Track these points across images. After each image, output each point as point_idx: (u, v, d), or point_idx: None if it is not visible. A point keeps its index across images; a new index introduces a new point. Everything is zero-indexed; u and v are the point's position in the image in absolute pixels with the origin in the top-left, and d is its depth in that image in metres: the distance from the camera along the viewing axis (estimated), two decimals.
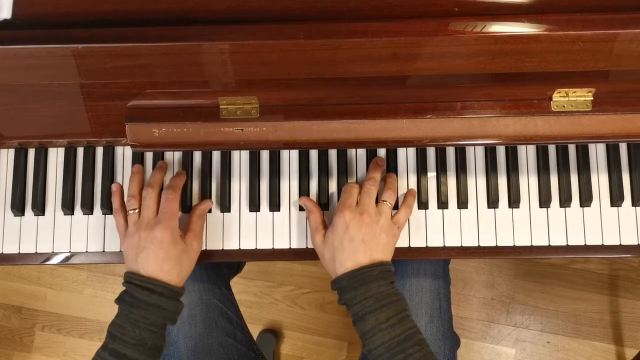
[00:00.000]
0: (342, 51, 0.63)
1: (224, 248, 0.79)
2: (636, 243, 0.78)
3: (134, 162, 0.81)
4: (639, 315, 1.48)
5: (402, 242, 0.79)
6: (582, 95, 0.68)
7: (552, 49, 0.62)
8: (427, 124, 0.69)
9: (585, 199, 0.78)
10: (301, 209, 0.80)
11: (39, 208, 0.80)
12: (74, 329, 1.58)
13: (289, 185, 0.80)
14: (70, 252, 0.81)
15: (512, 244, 0.78)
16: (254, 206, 0.80)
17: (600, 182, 0.79)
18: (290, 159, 0.81)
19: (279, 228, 0.80)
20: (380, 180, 0.77)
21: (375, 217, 0.72)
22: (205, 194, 0.80)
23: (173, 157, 0.81)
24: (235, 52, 0.63)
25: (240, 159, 0.81)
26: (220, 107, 0.69)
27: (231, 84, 0.69)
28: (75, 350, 1.58)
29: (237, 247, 0.80)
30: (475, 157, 0.80)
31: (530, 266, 1.51)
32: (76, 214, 0.81)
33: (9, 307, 1.61)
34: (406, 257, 0.80)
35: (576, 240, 0.78)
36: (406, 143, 0.71)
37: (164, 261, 0.70)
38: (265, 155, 0.81)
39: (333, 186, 0.80)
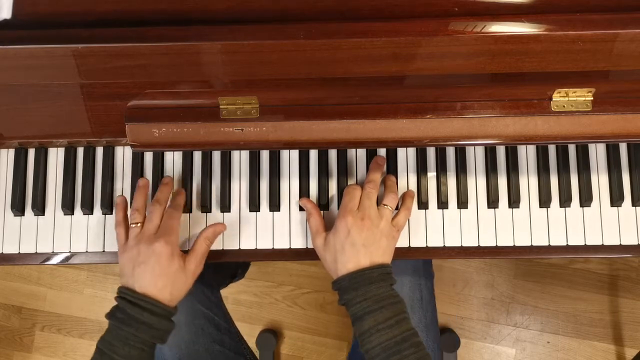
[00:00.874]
0: (342, 51, 0.63)
1: (224, 248, 0.79)
2: (636, 243, 0.78)
3: (134, 162, 0.81)
4: (639, 315, 1.48)
5: (402, 242, 0.79)
6: (582, 95, 0.68)
7: (552, 49, 0.62)
8: (427, 124, 0.69)
9: (585, 199, 0.78)
10: (301, 209, 0.80)
11: (39, 208, 0.80)
12: (74, 329, 1.58)
13: (289, 185, 0.80)
14: (70, 252, 0.81)
15: (512, 244, 0.78)
16: (254, 206, 0.80)
17: (600, 182, 0.79)
18: (290, 159, 0.81)
19: (279, 228, 0.80)
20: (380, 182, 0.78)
21: (376, 221, 0.72)
22: (205, 194, 0.80)
23: (173, 157, 0.81)
24: (235, 52, 0.63)
25: (240, 159, 0.81)
26: (220, 107, 0.69)
27: (231, 84, 0.69)
28: (75, 350, 1.58)
29: (237, 247, 0.80)
30: (475, 157, 0.80)
31: (530, 266, 1.51)
32: (76, 214, 0.81)
33: (9, 307, 1.61)
34: (406, 257, 0.80)
35: (576, 240, 0.78)
36: (406, 143, 0.71)
37: (159, 277, 0.70)
38: (265, 155, 0.81)
39: (333, 186, 0.80)
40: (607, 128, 0.68)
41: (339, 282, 0.70)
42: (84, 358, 1.57)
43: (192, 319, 0.88)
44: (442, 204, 0.79)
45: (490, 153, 0.80)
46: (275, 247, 0.79)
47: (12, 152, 0.82)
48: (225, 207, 0.80)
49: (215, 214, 0.80)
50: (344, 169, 0.80)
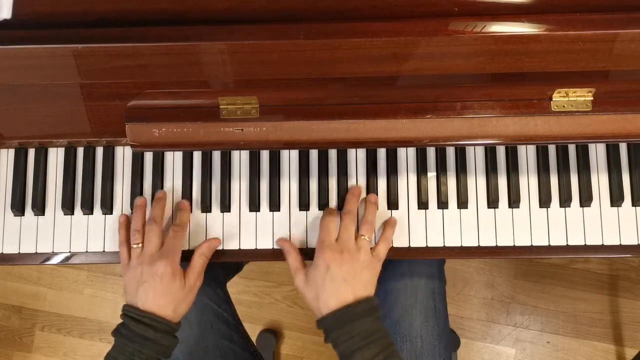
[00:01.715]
0: (342, 51, 0.63)
1: (224, 248, 0.79)
2: (636, 243, 0.78)
3: (134, 162, 0.81)
4: (639, 315, 1.48)
5: (402, 242, 0.79)
6: (582, 95, 0.68)
7: (552, 49, 0.62)
8: (427, 124, 0.69)
9: (585, 199, 0.78)
10: (301, 208, 0.80)
11: (39, 208, 0.80)
12: (74, 329, 1.58)
13: (289, 185, 0.80)
14: (70, 252, 0.81)
15: (512, 244, 0.78)
16: (254, 206, 0.80)
17: (600, 182, 0.79)
18: (290, 159, 0.81)
19: (279, 228, 0.80)
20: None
21: (355, 253, 0.72)
22: (205, 194, 0.80)
23: (173, 157, 0.81)
24: (235, 52, 0.63)
25: (240, 159, 0.81)
26: (220, 107, 0.69)
27: (231, 84, 0.69)
28: (75, 350, 1.58)
29: (237, 247, 0.80)
30: (475, 157, 0.80)
31: (530, 266, 1.51)
32: (76, 214, 0.81)
33: (9, 307, 1.61)
34: (406, 257, 0.80)
35: (576, 240, 0.78)
36: (406, 143, 0.71)
37: (162, 296, 0.71)
38: (265, 155, 0.81)
39: (333, 186, 0.80)
40: (607, 128, 0.68)
41: (323, 321, 0.70)
42: (84, 358, 1.57)
43: (202, 314, 0.88)
44: (442, 204, 0.79)
45: (490, 153, 0.80)
46: (275, 247, 0.79)
47: (12, 152, 0.82)
48: (225, 207, 0.80)
49: (215, 214, 0.80)
50: (344, 169, 0.80)
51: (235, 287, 1.52)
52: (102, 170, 0.81)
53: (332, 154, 0.81)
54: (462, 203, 0.79)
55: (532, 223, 0.79)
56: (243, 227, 0.80)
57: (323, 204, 0.79)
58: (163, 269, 0.71)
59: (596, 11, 0.61)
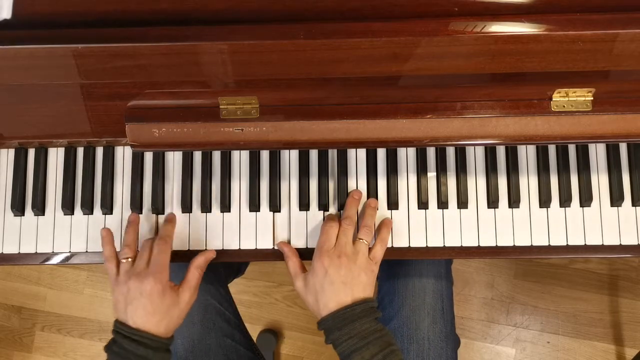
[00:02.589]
0: (342, 51, 0.63)
1: (224, 248, 0.79)
2: (636, 243, 0.78)
3: (134, 162, 0.81)
4: (639, 315, 1.48)
5: (402, 242, 0.79)
6: (582, 95, 0.68)
7: (552, 49, 0.62)
8: (427, 124, 0.69)
9: (585, 199, 0.78)
10: (301, 208, 0.80)
11: (39, 208, 0.80)
12: (74, 329, 1.58)
13: (289, 185, 0.80)
14: (70, 252, 0.81)
15: (512, 244, 0.78)
16: (254, 206, 0.80)
17: (600, 182, 0.79)
18: (290, 159, 0.81)
19: (279, 228, 0.80)
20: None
21: (352, 257, 0.73)
22: (205, 194, 0.80)
23: (173, 157, 0.81)
24: (235, 52, 0.63)
25: (240, 159, 0.81)
26: (220, 107, 0.69)
27: (231, 84, 0.69)
28: (75, 350, 1.58)
29: (237, 247, 0.80)
30: (475, 157, 0.80)
31: (530, 266, 1.51)
32: (76, 214, 0.81)
33: (9, 307, 1.61)
34: (406, 257, 0.80)
35: (576, 240, 0.78)
36: (406, 143, 0.71)
37: (152, 314, 0.70)
38: (265, 155, 0.81)
39: (333, 186, 0.80)
40: (607, 128, 0.68)
41: (323, 323, 0.71)
42: (84, 358, 1.57)
43: (204, 313, 0.88)
44: (442, 204, 0.79)
45: (490, 153, 0.80)
46: (276, 247, 0.79)
47: (12, 152, 0.82)
48: (225, 207, 0.80)
49: (215, 214, 0.80)
50: (344, 169, 0.80)
51: (235, 287, 1.52)
52: (102, 170, 0.81)
53: (332, 154, 0.81)
54: (462, 203, 0.79)
55: (532, 223, 0.79)
56: (243, 227, 0.80)
57: (323, 204, 0.79)
58: (151, 287, 0.70)
59: (596, 11, 0.61)
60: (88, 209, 0.80)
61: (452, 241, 0.79)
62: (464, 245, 0.79)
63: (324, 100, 0.69)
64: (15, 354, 1.59)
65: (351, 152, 0.81)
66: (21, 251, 0.81)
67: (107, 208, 0.80)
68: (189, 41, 0.62)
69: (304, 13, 0.64)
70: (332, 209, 0.80)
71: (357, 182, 0.80)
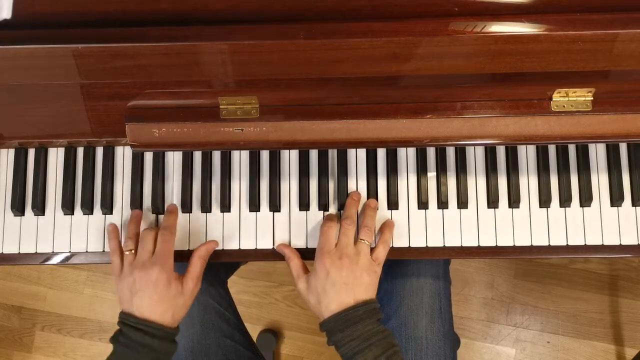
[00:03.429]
0: (342, 51, 0.63)
1: (224, 248, 0.79)
2: (636, 243, 0.78)
3: (134, 162, 0.81)
4: (639, 315, 1.48)
5: (402, 242, 0.79)
6: (582, 95, 0.68)
7: (552, 49, 0.62)
8: (427, 124, 0.69)
9: (585, 199, 0.78)
10: (301, 208, 0.80)
11: (39, 208, 0.80)
12: (74, 329, 1.58)
13: (289, 185, 0.80)
14: (70, 252, 0.81)
15: (512, 244, 0.78)
16: (254, 206, 0.80)
17: (600, 182, 0.79)
18: (290, 159, 0.81)
19: (279, 228, 0.80)
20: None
21: (354, 257, 0.73)
22: (205, 194, 0.80)
23: (173, 157, 0.82)
24: (235, 52, 0.63)
25: (240, 159, 0.81)
26: (220, 107, 0.69)
27: (231, 84, 0.69)
28: (75, 350, 1.58)
29: (237, 247, 0.80)
30: (475, 157, 0.80)
31: (530, 266, 1.51)
32: (76, 214, 0.81)
33: (9, 307, 1.61)
34: (406, 257, 0.80)
35: (576, 240, 0.78)
36: (406, 143, 0.71)
37: (158, 303, 0.70)
38: (265, 155, 0.81)
39: (333, 186, 0.80)
40: (607, 128, 0.68)
41: (325, 324, 0.70)
42: (84, 358, 1.57)
43: (204, 313, 0.88)
44: (442, 204, 0.79)
45: (490, 153, 0.80)
46: (276, 248, 0.79)
47: (12, 152, 0.82)
48: (225, 207, 0.80)
49: (215, 214, 0.80)
50: (344, 169, 0.80)
51: (235, 287, 1.52)
52: (102, 170, 0.81)
53: (332, 154, 0.81)
54: (462, 203, 0.79)
55: (532, 223, 0.79)
56: (243, 227, 0.80)
57: (323, 204, 0.79)
58: (157, 276, 0.70)
59: (596, 11, 0.61)
60: (88, 209, 0.80)
61: (452, 241, 0.79)
62: (464, 245, 0.79)
63: (324, 100, 0.69)
64: (15, 354, 1.59)
65: (351, 152, 0.81)
66: (21, 251, 0.81)
67: (107, 208, 0.80)
68: (189, 41, 0.62)
69: (304, 13, 0.64)
70: (332, 209, 0.80)
71: (357, 182, 0.80)
